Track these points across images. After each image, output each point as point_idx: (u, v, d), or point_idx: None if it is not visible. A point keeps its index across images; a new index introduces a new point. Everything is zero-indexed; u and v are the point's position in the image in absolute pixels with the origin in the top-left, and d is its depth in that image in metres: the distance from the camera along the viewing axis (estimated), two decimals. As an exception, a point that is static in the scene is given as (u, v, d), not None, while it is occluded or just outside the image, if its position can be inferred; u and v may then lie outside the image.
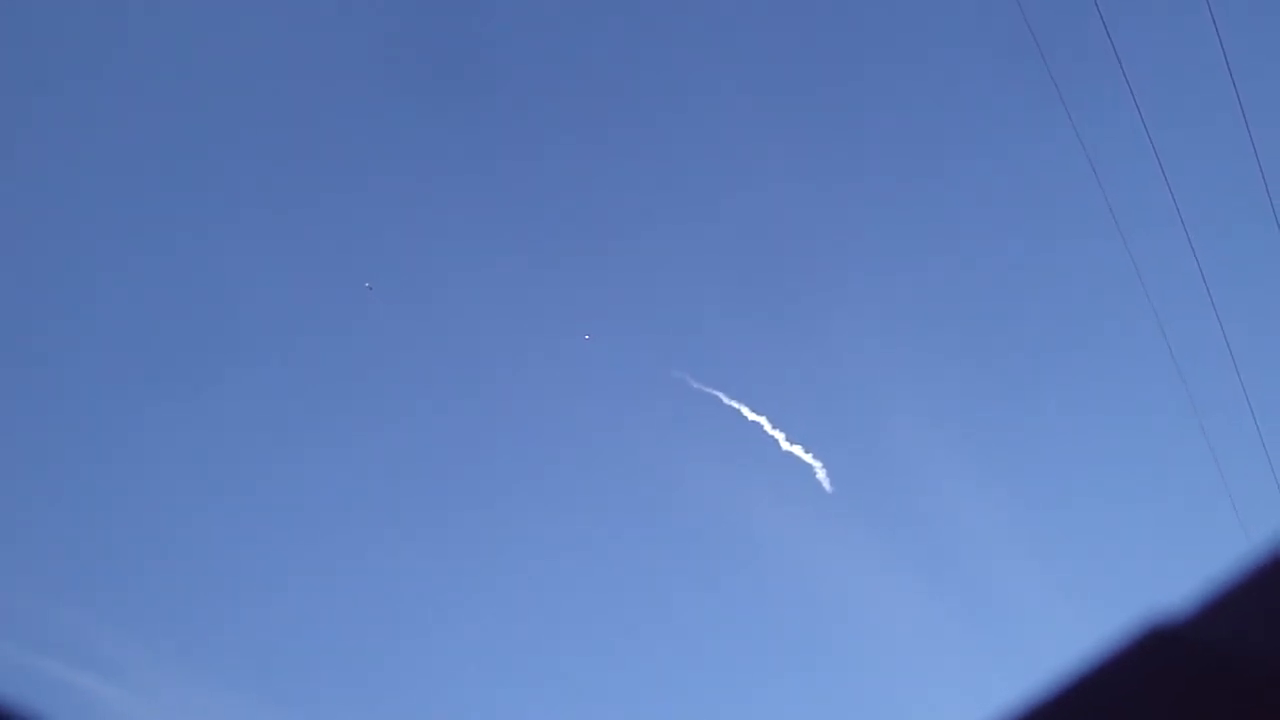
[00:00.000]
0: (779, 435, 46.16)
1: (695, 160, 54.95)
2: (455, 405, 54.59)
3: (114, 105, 46.95)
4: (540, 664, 52.64)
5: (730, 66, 54.30)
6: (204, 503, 52.02)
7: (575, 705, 50.94)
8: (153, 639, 44.95)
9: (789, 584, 54.07)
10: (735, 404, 46.29)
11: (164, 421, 50.52)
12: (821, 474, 46.73)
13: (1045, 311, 54.49)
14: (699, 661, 54.10)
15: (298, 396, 51.81)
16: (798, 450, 46.35)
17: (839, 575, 52.98)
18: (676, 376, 47.13)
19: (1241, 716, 1.19)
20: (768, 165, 54.17)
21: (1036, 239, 55.27)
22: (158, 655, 44.15)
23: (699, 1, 51.59)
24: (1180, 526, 53.01)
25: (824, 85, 54.38)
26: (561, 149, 54.65)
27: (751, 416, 46.09)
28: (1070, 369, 54.81)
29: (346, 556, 52.22)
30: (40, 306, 48.13)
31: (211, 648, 47.44)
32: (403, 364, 53.53)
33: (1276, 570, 1.32)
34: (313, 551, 53.30)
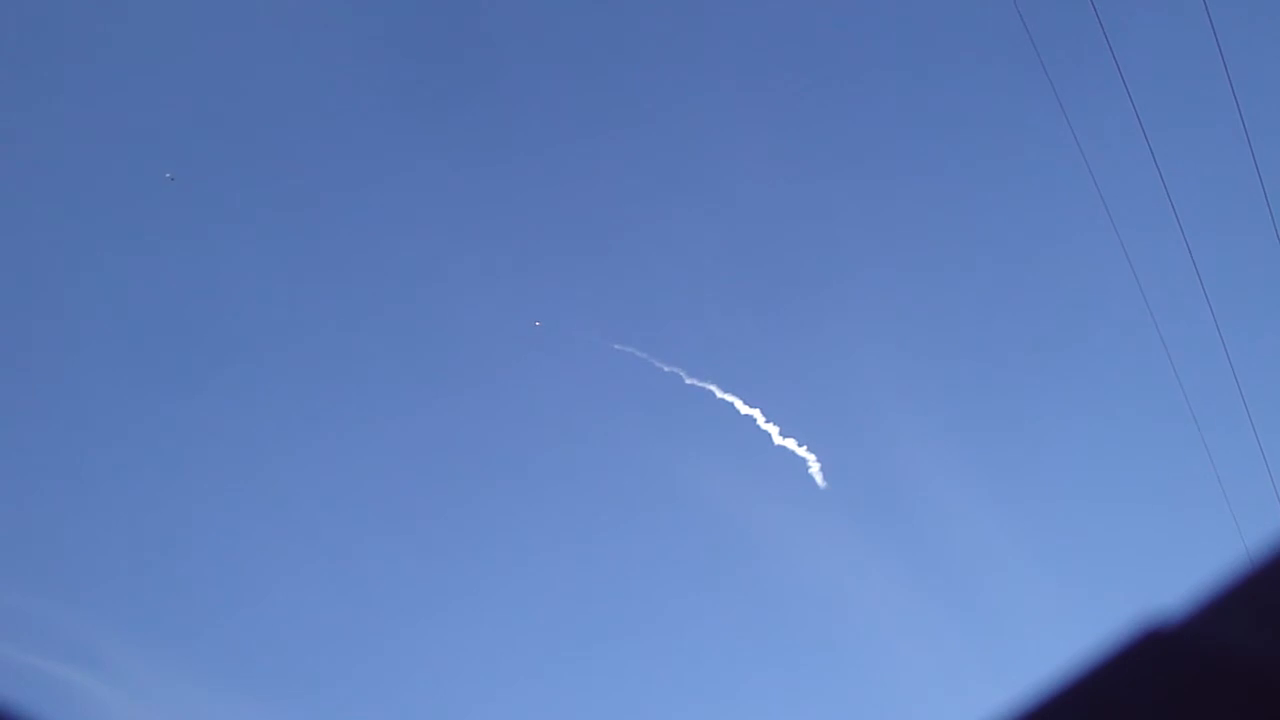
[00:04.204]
0: (772, 429, 46.23)
1: (691, 156, 54.95)
2: (449, 404, 54.57)
3: (112, 104, 46.77)
4: (531, 661, 52.73)
5: (727, 65, 54.26)
6: (202, 503, 52.01)
7: (565, 701, 51.05)
8: (151, 639, 44.99)
9: (781, 579, 54.21)
10: (728, 398, 46.35)
11: (161, 421, 50.52)
12: (815, 469, 46.83)
13: (1041, 310, 54.65)
14: (689, 657, 54.22)
15: (293, 396, 51.78)
16: (791, 444, 46.43)
17: (831, 571, 53.13)
18: (670, 371, 47.16)
19: (1238, 718, 1.18)
20: (764, 162, 54.21)
21: (1032, 238, 55.41)
22: (156, 655, 44.19)
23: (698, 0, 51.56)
24: (1177, 527, 53.21)
25: (821, 82, 54.37)
26: (557, 144, 54.58)
27: (745, 410, 46.15)
28: (1066, 368, 54.98)
29: (342, 556, 52.23)
30: (38, 306, 48.02)
31: (209, 647, 47.48)
32: (397, 363, 53.50)
33: (1274, 571, 1.31)
34: (309, 551, 53.35)
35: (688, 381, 46.78)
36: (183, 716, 44.03)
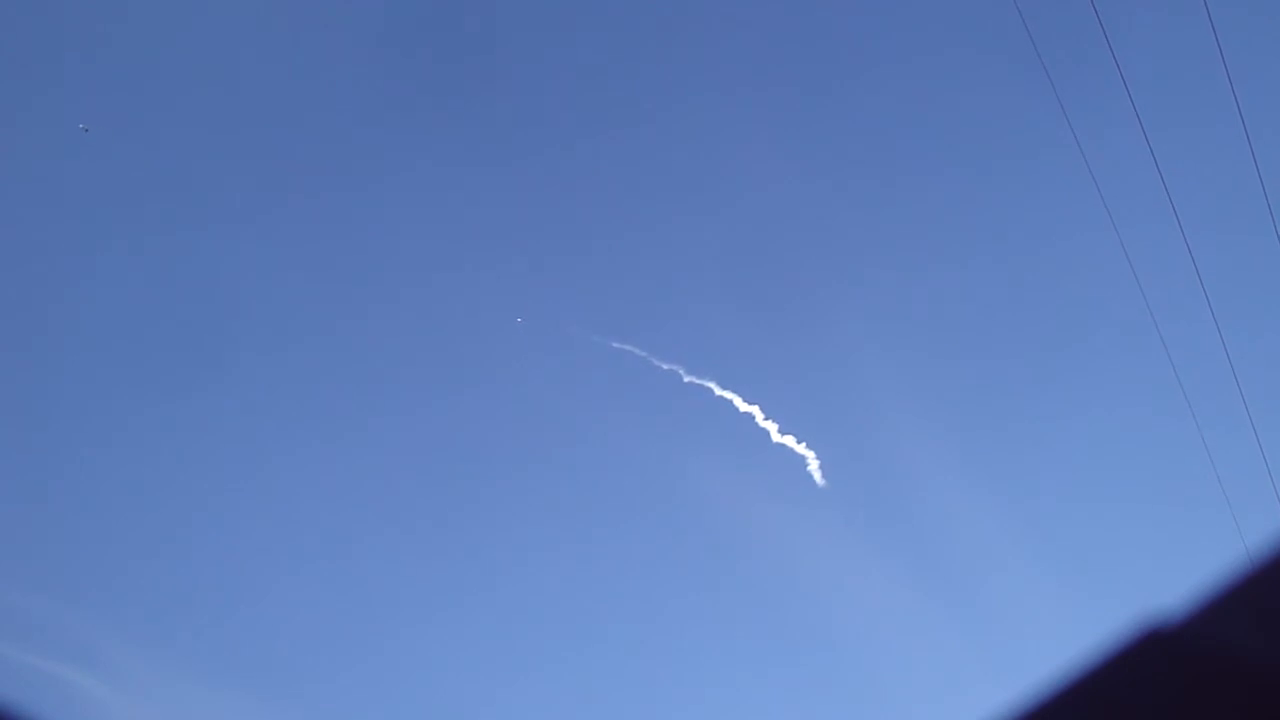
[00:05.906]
0: (771, 427, 46.24)
1: (689, 154, 54.92)
2: (447, 403, 54.57)
3: (112, 104, 46.77)
4: (529, 661, 52.72)
5: (728, 64, 54.30)
6: (201, 503, 52.04)
7: (562, 702, 51.05)
8: (151, 639, 45.02)
9: (779, 578, 54.21)
10: (727, 395, 46.36)
11: (160, 421, 50.52)
12: (814, 466, 46.83)
13: (1041, 308, 54.65)
14: (686, 655, 54.22)
15: (292, 396, 51.79)
16: (789, 442, 46.43)
17: (830, 569, 53.12)
18: (668, 369, 47.16)
19: (1238, 718, 1.18)
20: (762, 160, 54.19)
21: (1033, 238, 55.42)
22: (156, 655, 44.22)
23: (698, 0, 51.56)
24: (1177, 527, 53.20)
25: (821, 82, 54.38)
26: (555, 143, 54.58)
27: (743, 408, 46.16)
28: (1066, 367, 54.95)
29: (342, 556, 52.27)
30: (38, 306, 48.03)
31: (209, 647, 47.49)
32: (396, 363, 53.49)
33: (1274, 571, 1.31)
34: (308, 551, 53.37)
35: (686, 379, 46.80)
36: (183, 716, 44.06)
